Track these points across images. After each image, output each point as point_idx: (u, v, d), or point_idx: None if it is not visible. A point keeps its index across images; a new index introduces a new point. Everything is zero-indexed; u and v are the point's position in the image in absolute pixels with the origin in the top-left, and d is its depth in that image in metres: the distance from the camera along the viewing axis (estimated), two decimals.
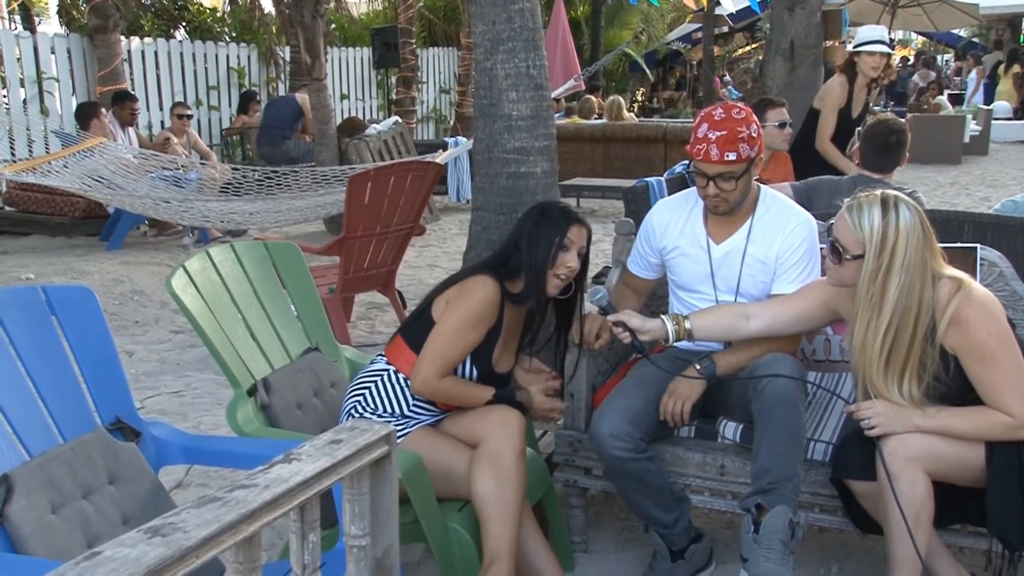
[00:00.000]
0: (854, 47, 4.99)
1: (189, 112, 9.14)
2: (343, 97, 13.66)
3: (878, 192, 2.35)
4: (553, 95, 7.78)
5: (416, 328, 2.61)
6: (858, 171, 4.08)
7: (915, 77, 20.11)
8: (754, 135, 2.62)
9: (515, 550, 2.44)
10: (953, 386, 2.34)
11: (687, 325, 2.63)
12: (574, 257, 2.58)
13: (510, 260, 2.61)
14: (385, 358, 2.66)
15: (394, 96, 13.05)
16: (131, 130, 8.46)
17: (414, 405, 2.60)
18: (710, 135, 2.60)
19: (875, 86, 5.08)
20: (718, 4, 15.93)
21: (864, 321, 2.33)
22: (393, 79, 13.16)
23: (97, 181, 6.78)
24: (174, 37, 11.96)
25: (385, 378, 2.62)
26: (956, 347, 2.29)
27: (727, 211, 2.71)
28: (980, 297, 2.29)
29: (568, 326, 2.75)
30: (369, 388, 2.62)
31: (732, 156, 2.59)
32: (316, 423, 2.71)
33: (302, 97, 9.80)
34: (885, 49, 5.01)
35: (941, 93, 16.90)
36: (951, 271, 2.34)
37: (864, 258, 2.31)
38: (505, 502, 2.42)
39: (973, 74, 18.77)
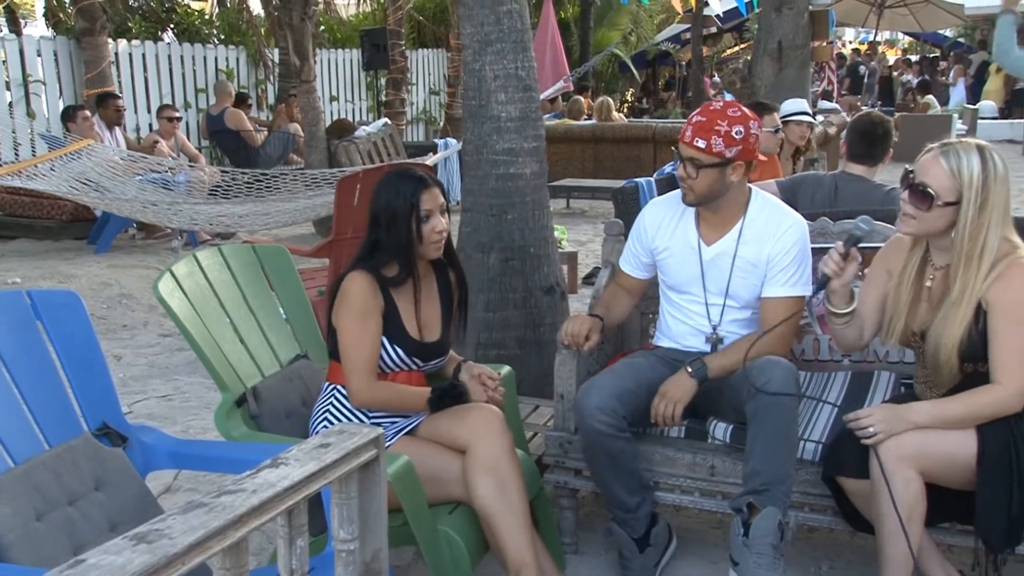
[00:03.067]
0: (781, 118, 5.07)
1: (177, 114, 9.11)
2: (332, 99, 13.63)
3: (969, 139, 2.34)
4: (542, 96, 7.79)
5: (334, 344, 2.62)
6: (841, 168, 4.10)
7: (907, 76, 20.19)
8: (735, 136, 2.60)
9: (536, 551, 2.46)
10: (976, 341, 2.34)
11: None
12: (439, 220, 2.57)
13: (378, 248, 2.59)
14: (328, 382, 2.69)
15: (383, 98, 13.02)
16: (118, 131, 8.42)
17: (372, 416, 2.61)
18: (693, 118, 2.67)
19: (800, 155, 5.17)
20: (706, 5, 15.96)
21: (967, 274, 2.29)
22: (382, 81, 13.14)
23: (84, 184, 6.75)
24: (162, 39, 11.91)
25: (336, 399, 2.63)
26: (992, 301, 2.27)
27: (693, 201, 2.72)
28: None
29: (460, 281, 2.77)
30: (328, 411, 2.63)
31: (700, 143, 2.61)
32: (304, 432, 2.70)
33: (294, 127, 9.92)
34: (808, 119, 5.17)
35: (928, 92, 16.96)
36: (1014, 236, 2.33)
37: (960, 205, 2.26)
38: (512, 507, 2.43)
39: (953, 73, 18.88)
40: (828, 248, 3.08)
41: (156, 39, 11.61)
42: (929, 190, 2.29)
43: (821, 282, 2.49)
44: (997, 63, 4.83)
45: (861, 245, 2.48)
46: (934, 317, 2.37)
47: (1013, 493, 2.28)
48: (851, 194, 3.86)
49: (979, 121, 14.68)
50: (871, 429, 2.34)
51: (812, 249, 2.82)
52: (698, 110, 2.70)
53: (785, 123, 5.08)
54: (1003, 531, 2.30)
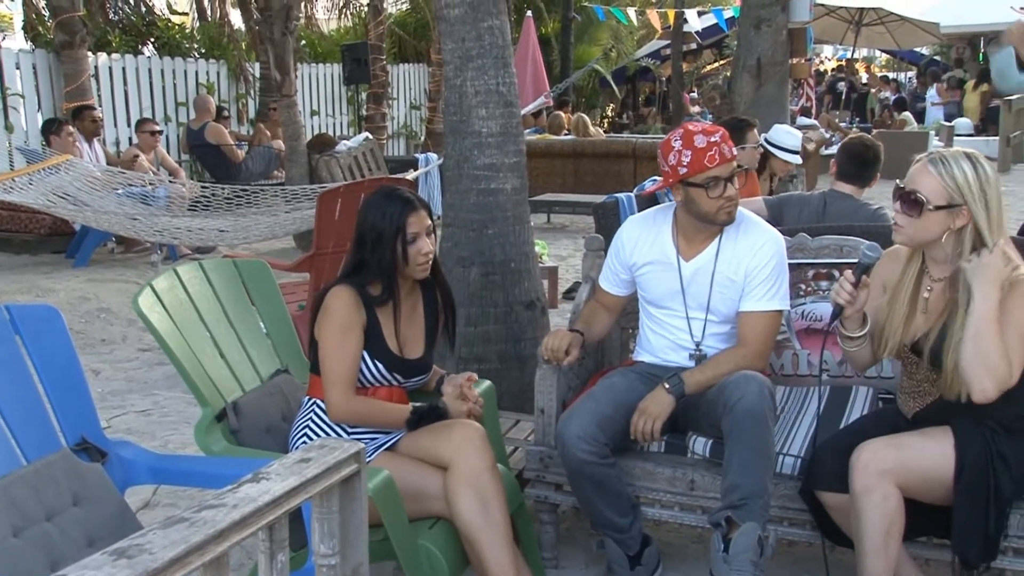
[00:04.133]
0: (770, 143, 5.07)
1: (158, 128, 9.07)
2: (313, 113, 13.62)
3: (954, 148, 2.38)
4: (523, 112, 7.81)
5: (315, 358, 2.62)
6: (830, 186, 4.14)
7: (884, 93, 20.41)
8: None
9: (517, 568, 2.47)
10: None
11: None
12: (424, 242, 2.59)
13: (363, 267, 2.60)
14: (308, 397, 2.68)
15: (364, 112, 13.02)
16: (97, 144, 8.38)
17: (352, 432, 2.61)
18: (712, 139, 2.66)
19: (775, 178, 5.23)
20: (685, 22, 16.09)
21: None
22: (363, 95, 13.14)
23: (63, 198, 6.71)
24: (142, 53, 11.87)
25: (316, 414, 2.63)
26: (1008, 305, 2.28)
27: (734, 217, 2.75)
28: None
29: (447, 301, 2.79)
30: (309, 426, 2.63)
31: (736, 150, 2.73)
32: (284, 447, 2.69)
33: (277, 143, 9.90)
34: (797, 161, 5.16)
35: (905, 109, 17.15)
36: (1011, 250, 2.34)
37: (951, 209, 2.29)
38: (494, 523, 2.44)
39: (932, 91, 19.08)
40: (807, 264, 3.14)
41: (136, 53, 11.58)
42: (919, 196, 2.32)
43: (835, 312, 2.47)
44: (996, 86, 4.89)
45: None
46: (930, 328, 2.39)
47: (989, 510, 2.31)
48: (839, 211, 3.91)
49: (955, 138, 14.85)
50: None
51: (791, 265, 2.85)
52: (699, 136, 2.66)
53: (773, 153, 5.10)
54: (979, 547, 2.32)
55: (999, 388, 2.27)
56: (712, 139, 2.65)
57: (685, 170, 2.66)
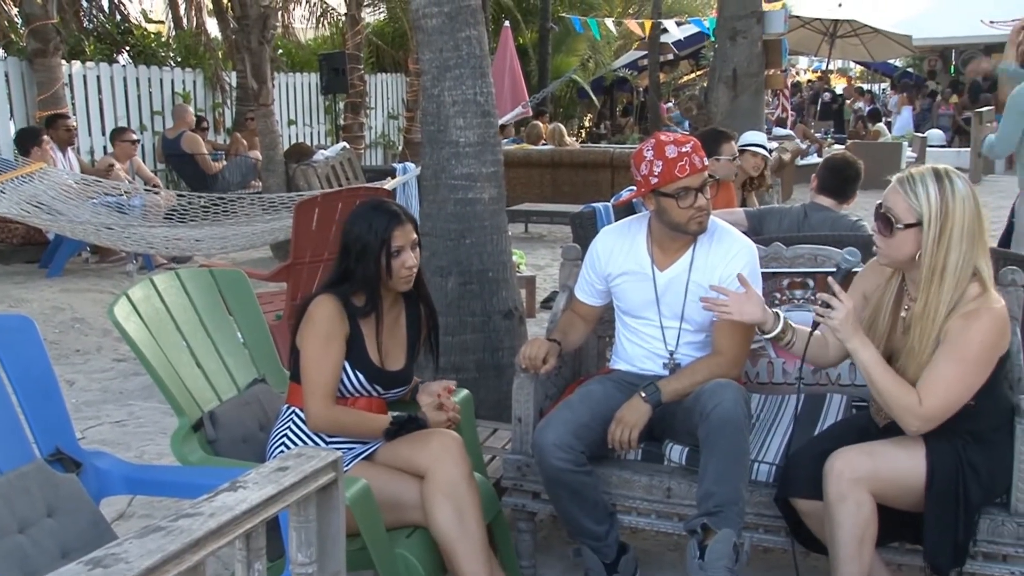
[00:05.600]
0: (740, 146, 5.17)
1: (135, 137, 9.02)
2: (290, 123, 13.59)
3: (927, 165, 2.39)
4: (500, 121, 7.84)
5: (296, 366, 2.62)
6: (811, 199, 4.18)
7: (859, 104, 20.64)
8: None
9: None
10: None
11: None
12: (409, 256, 2.60)
13: (347, 277, 2.61)
14: (287, 405, 2.68)
15: (342, 122, 13.02)
16: (71, 153, 8.30)
17: (330, 441, 2.61)
18: (683, 149, 2.68)
19: (751, 187, 5.29)
20: (664, 32, 16.20)
21: (927, 291, 2.32)
22: (341, 105, 13.13)
23: (36, 207, 6.64)
24: (117, 61, 11.80)
25: (294, 423, 2.63)
26: (949, 330, 2.30)
27: (707, 226, 2.76)
28: (999, 312, 2.32)
29: (430, 314, 2.80)
30: (286, 435, 2.62)
31: (706, 161, 2.73)
32: (261, 457, 2.68)
33: (255, 153, 9.87)
34: (765, 152, 5.24)
35: (879, 120, 17.35)
36: (987, 270, 2.35)
37: (920, 227, 2.31)
38: (470, 533, 2.45)
39: (895, 100, 19.35)
40: (782, 273, 3.17)
41: (111, 61, 11.51)
42: (889, 215, 2.35)
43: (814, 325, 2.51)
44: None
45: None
46: (905, 341, 2.42)
47: (959, 518, 2.34)
48: (820, 221, 3.96)
49: (928, 149, 15.04)
50: (831, 313, 2.35)
51: (766, 274, 2.87)
52: (671, 146, 2.68)
53: (741, 152, 5.18)
54: (949, 554, 2.36)
55: (924, 419, 2.31)
56: (683, 149, 2.68)
57: (656, 180, 2.68)
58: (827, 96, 19.61)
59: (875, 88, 27.10)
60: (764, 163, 5.26)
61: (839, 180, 4.09)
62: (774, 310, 2.60)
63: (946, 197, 2.29)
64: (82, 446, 2.36)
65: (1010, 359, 2.48)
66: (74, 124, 8.74)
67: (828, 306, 2.36)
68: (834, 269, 2.49)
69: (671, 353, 2.84)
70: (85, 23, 12.96)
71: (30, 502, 2.07)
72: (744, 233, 2.95)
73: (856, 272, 2.62)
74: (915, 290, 2.41)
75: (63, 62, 9.70)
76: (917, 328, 2.35)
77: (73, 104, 9.95)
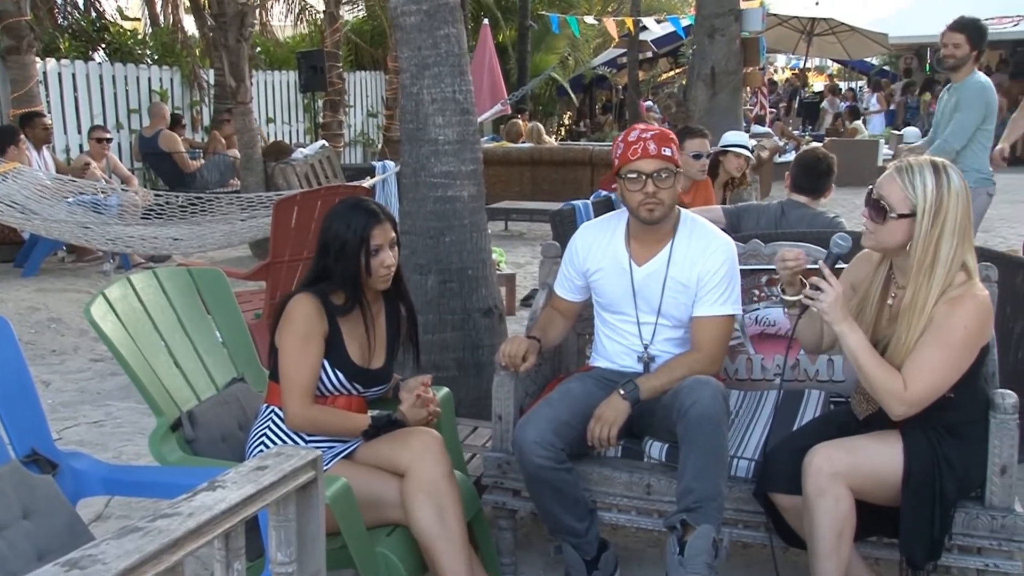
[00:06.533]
0: (721, 146, 5.20)
1: (108, 136, 8.94)
2: (269, 121, 13.52)
3: (925, 157, 2.40)
4: (479, 119, 7.84)
5: (275, 365, 2.61)
6: (787, 196, 4.22)
7: (824, 104, 20.78)
8: (676, 147, 2.77)
9: (474, 574, 2.48)
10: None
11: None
12: (388, 255, 2.60)
13: (326, 276, 2.61)
14: (266, 404, 2.67)
15: (321, 120, 12.97)
16: (46, 152, 8.22)
17: (309, 440, 2.60)
18: (644, 135, 2.72)
19: (731, 187, 5.32)
20: (644, 30, 16.24)
21: (917, 281, 2.34)
22: (320, 103, 13.09)
23: (10, 206, 6.56)
24: (93, 59, 11.69)
25: (273, 422, 2.62)
26: (935, 317, 2.32)
27: (661, 216, 2.75)
28: (983, 299, 2.34)
29: (410, 312, 2.80)
30: (266, 434, 2.61)
31: (668, 152, 2.71)
32: (240, 456, 2.67)
33: (233, 152, 9.80)
34: (748, 154, 5.29)
35: (858, 118, 17.47)
36: (973, 262, 2.38)
37: (914, 218, 2.32)
38: (450, 532, 2.45)
39: (874, 99, 19.47)
40: (760, 270, 3.18)
41: (87, 58, 11.40)
42: (883, 203, 2.37)
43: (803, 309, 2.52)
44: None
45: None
46: (892, 330, 2.44)
47: (935, 513, 2.37)
48: (798, 218, 4.01)
49: (901, 146, 15.17)
50: (820, 296, 2.36)
51: (744, 270, 2.89)
52: (636, 131, 2.76)
53: (723, 153, 5.20)
54: (925, 548, 2.39)
55: (909, 404, 2.33)
56: (644, 135, 2.72)
57: (617, 161, 2.75)
58: (804, 93, 19.73)
59: (853, 85, 27.29)
60: (747, 163, 5.29)
61: (812, 176, 4.12)
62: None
63: (942, 191, 2.31)
64: (59, 447, 2.34)
65: (988, 353, 2.51)
66: (50, 123, 8.66)
67: (818, 289, 2.38)
68: (827, 253, 2.50)
69: (646, 347, 2.85)
70: (60, 20, 12.84)
71: (5, 504, 2.04)
72: (723, 230, 2.96)
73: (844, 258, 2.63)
74: (902, 279, 2.43)
75: (37, 59, 9.60)
76: (905, 318, 2.37)
77: (48, 102, 9.85)
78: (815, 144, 13.15)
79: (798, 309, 2.56)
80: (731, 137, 5.33)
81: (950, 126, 5.01)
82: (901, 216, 2.34)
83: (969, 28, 5.04)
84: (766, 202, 4.46)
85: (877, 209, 2.38)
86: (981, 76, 5.10)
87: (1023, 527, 2.44)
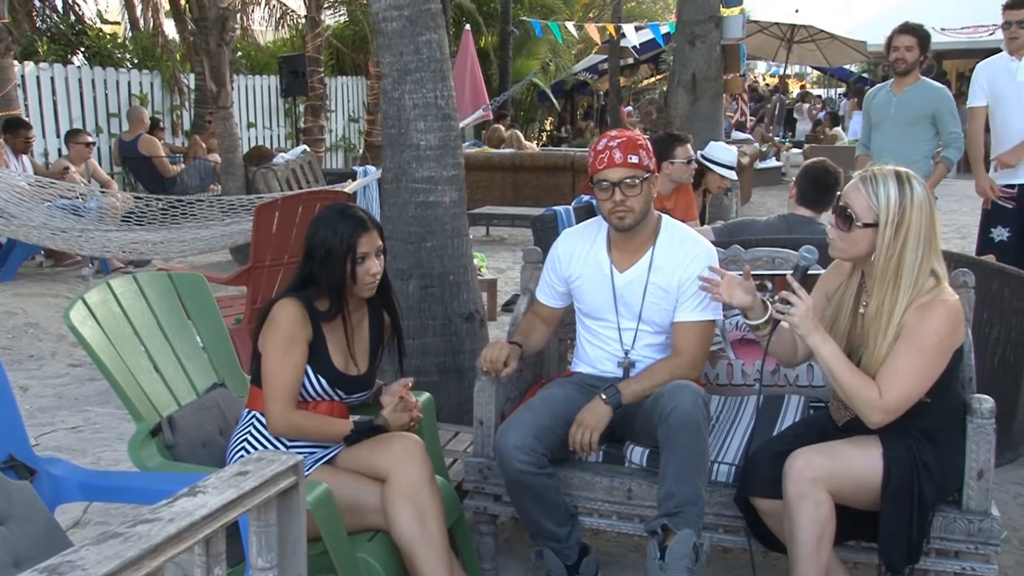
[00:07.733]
0: (709, 161, 5.19)
1: (90, 139, 8.88)
2: (250, 125, 13.48)
3: (890, 167, 2.41)
4: (461, 124, 7.84)
5: (257, 370, 2.60)
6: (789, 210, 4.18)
7: (795, 111, 20.97)
8: (650, 150, 2.77)
9: None
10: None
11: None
12: (373, 263, 2.60)
13: (311, 281, 2.60)
14: (247, 409, 2.66)
15: (302, 125, 12.93)
16: (25, 157, 8.16)
17: (291, 445, 2.59)
18: (611, 144, 2.73)
19: (708, 193, 5.36)
20: (624, 36, 16.30)
21: (882, 291, 2.36)
22: (301, 107, 13.05)
23: None
24: (72, 62, 11.61)
25: (255, 426, 2.61)
26: (907, 323, 2.34)
27: (632, 224, 2.76)
28: (953, 304, 2.36)
29: (394, 320, 2.80)
30: (247, 439, 2.61)
31: (635, 159, 2.71)
32: (220, 461, 2.66)
33: (214, 157, 9.77)
34: (733, 177, 5.31)
35: (838, 124, 17.60)
36: (941, 268, 2.39)
37: (877, 227, 2.34)
38: (431, 537, 2.45)
39: (846, 104, 19.66)
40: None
41: (65, 62, 11.32)
42: (849, 212, 2.38)
43: (776, 322, 2.53)
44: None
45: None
46: (864, 338, 2.46)
47: (913, 516, 2.39)
48: (807, 234, 3.91)
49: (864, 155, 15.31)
50: (791, 309, 2.38)
51: None
52: (604, 139, 2.77)
53: (710, 168, 5.19)
54: (903, 553, 2.41)
55: (885, 411, 2.34)
56: (611, 143, 2.73)
57: (589, 169, 2.78)
58: (785, 99, 19.88)
59: (832, 93, 27.49)
60: (727, 183, 5.31)
61: (819, 189, 4.02)
62: (763, 298, 2.62)
63: (904, 201, 2.33)
64: (36, 453, 2.33)
65: (963, 358, 2.54)
66: (33, 136, 8.57)
67: (787, 303, 2.40)
68: (791, 271, 2.52)
69: (626, 352, 2.86)
70: (38, 23, 12.74)
71: None
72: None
73: (814, 270, 2.65)
74: (872, 287, 2.45)
75: (15, 62, 9.53)
76: (872, 327, 2.39)
77: (26, 106, 9.78)
78: (799, 151, 13.22)
79: (768, 328, 2.58)
80: (720, 154, 5.25)
81: (948, 138, 5.09)
82: (866, 225, 2.36)
83: (918, 31, 5.11)
84: (763, 217, 4.44)
85: (844, 218, 2.40)
86: (933, 81, 5.23)
87: (999, 531, 2.46)
